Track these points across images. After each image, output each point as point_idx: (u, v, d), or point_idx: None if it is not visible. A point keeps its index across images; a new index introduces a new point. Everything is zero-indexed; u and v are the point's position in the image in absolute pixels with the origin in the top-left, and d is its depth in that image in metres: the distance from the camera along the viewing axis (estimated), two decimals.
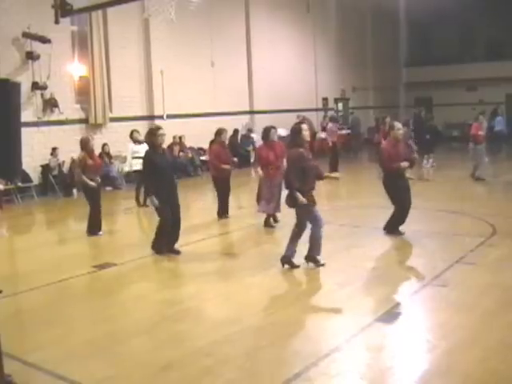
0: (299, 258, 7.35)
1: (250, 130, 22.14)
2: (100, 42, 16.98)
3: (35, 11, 14.58)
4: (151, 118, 18.55)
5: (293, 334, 5.33)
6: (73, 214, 13.68)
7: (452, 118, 29.16)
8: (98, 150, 10.45)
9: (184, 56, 19.47)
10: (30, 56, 15.21)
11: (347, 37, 27.54)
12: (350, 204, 11.72)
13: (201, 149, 20.14)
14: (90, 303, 6.65)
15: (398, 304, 5.99)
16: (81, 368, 4.69)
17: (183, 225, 8.57)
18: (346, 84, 28.62)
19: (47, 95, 15.76)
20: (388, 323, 5.45)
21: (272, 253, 8.38)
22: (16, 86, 4.02)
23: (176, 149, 18.17)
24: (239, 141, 21.39)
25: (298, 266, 7.27)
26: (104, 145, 16.50)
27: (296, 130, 7.15)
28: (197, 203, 13.39)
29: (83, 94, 17.07)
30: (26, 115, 14.32)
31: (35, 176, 15.45)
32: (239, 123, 21.69)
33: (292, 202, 7.11)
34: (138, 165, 12.82)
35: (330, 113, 26.18)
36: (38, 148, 15.31)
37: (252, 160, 21.18)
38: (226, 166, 10.90)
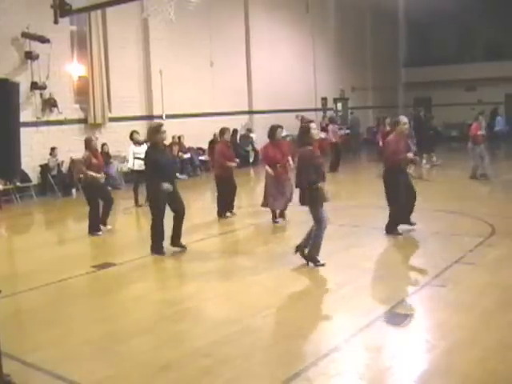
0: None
1: (249, 130, 22.14)
2: (99, 41, 16.97)
3: (34, 11, 14.57)
4: (150, 117, 18.53)
5: (292, 334, 5.33)
6: (72, 213, 13.67)
7: (451, 118, 29.19)
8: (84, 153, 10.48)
9: (183, 56, 19.47)
10: (29, 56, 15.21)
11: (346, 37, 27.56)
12: (349, 204, 11.72)
13: (200, 149, 20.17)
14: (90, 303, 6.65)
15: (397, 304, 5.99)
16: (80, 368, 4.68)
17: (183, 225, 8.57)
18: (345, 84, 28.64)
19: (46, 95, 15.75)
20: (387, 323, 5.45)
21: (272, 253, 8.40)
22: (15, 86, 4.01)
23: (175, 149, 18.17)
24: (238, 141, 21.39)
25: (323, 265, 7.32)
26: (103, 145, 16.48)
27: (305, 129, 7.27)
28: (196, 203, 13.38)
29: (82, 93, 17.06)
30: (25, 115, 14.30)
31: (34, 176, 15.45)
32: (238, 123, 21.69)
33: (304, 199, 7.21)
34: (138, 165, 12.90)
35: (329, 113, 26.19)
36: (37, 148, 15.30)
37: (251, 160, 21.22)
38: (231, 163, 11.06)
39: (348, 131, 25.67)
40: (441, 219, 10.19)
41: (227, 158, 11.04)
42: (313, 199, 7.17)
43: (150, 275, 7.70)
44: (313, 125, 7.33)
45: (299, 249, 7.45)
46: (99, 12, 16.22)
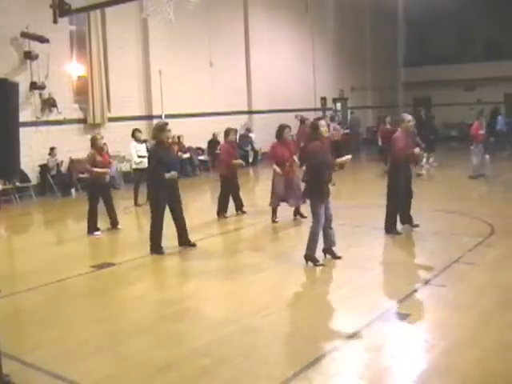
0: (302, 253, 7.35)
1: (248, 130, 22.14)
2: (98, 41, 16.97)
3: (33, 11, 14.56)
4: (149, 117, 18.55)
5: (291, 334, 5.33)
6: (71, 213, 13.67)
7: (450, 117, 29.20)
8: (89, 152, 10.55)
9: (182, 56, 19.47)
10: (29, 56, 15.20)
11: (345, 37, 27.56)
12: (349, 204, 11.71)
13: (199, 148, 20.16)
14: (89, 303, 6.65)
15: (396, 304, 5.99)
16: (79, 368, 4.68)
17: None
18: (344, 84, 28.64)
19: (45, 95, 15.74)
20: (386, 323, 5.45)
21: (271, 252, 8.39)
22: (14, 86, 4.02)
23: (175, 148, 18.14)
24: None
25: (339, 257, 7.51)
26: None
27: (314, 126, 7.45)
28: (196, 203, 13.38)
29: (81, 93, 17.05)
30: (25, 115, 14.31)
31: (33, 176, 15.44)
32: (238, 123, 21.66)
33: (307, 193, 7.44)
34: (139, 164, 12.96)
35: (329, 113, 26.18)
36: (36, 148, 15.30)
37: (250, 160, 21.21)
38: (237, 162, 11.21)
39: (347, 131, 25.65)
40: (440, 219, 10.19)
41: (232, 158, 11.16)
42: (314, 193, 7.26)
43: (149, 275, 7.70)
44: (322, 122, 7.50)
45: (326, 252, 7.58)
46: (98, 12, 16.21)
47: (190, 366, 4.63)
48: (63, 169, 16.07)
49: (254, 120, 22.91)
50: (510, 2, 25.99)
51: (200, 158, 20.02)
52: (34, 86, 15.35)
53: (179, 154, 18.35)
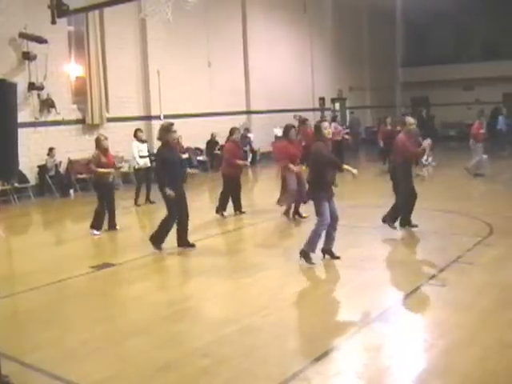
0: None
1: (246, 130, 22.13)
2: (97, 42, 16.95)
3: (32, 12, 14.55)
4: (148, 118, 18.56)
5: (290, 334, 5.33)
6: (70, 214, 13.67)
7: (449, 117, 29.23)
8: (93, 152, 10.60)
9: (181, 56, 19.47)
10: (27, 56, 15.19)
11: (344, 37, 27.58)
12: (347, 204, 11.70)
13: (198, 149, 20.16)
14: (88, 304, 6.63)
15: (395, 303, 6.00)
16: (78, 369, 4.68)
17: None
18: (342, 84, 28.65)
19: (44, 95, 15.73)
20: (386, 323, 5.45)
21: (270, 252, 8.39)
22: (12, 87, 4.01)
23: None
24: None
25: (338, 257, 7.52)
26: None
27: (317, 128, 7.52)
28: (194, 203, 13.36)
29: (80, 94, 17.04)
30: (23, 116, 14.30)
31: (32, 176, 15.42)
32: (236, 123, 21.59)
33: (311, 193, 7.47)
34: (142, 163, 12.99)
35: (327, 113, 26.20)
36: (34, 148, 15.29)
37: (249, 160, 21.19)
38: (241, 162, 11.30)
39: (347, 131, 25.67)
40: (439, 219, 10.20)
41: (237, 157, 11.20)
42: (317, 194, 7.29)
43: (149, 275, 7.69)
44: (325, 124, 7.56)
45: (325, 252, 7.59)
46: (97, 12, 16.20)
47: (189, 367, 4.63)
48: (62, 169, 16.06)
49: (253, 120, 22.92)
50: (508, 2, 26.04)
51: (199, 158, 20.01)
52: (32, 86, 15.34)
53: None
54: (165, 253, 8.40)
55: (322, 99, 27.33)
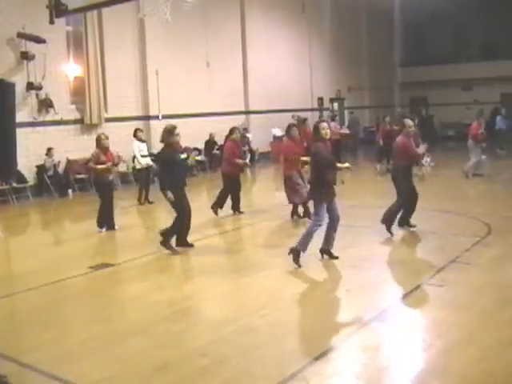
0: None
1: (245, 130, 22.13)
2: (95, 42, 16.94)
3: (30, 11, 14.54)
4: (146, 118, 18.54)
5: (288, 334, 5.33)
6: (68, 214, 13.66)
7: (447, 117, 29.25)
8: (93, 151, 10.61)
9: (179, 56, 19.46)
10: (25, 56, 15.17)
11: (342, 37, 27.59)
12: (346, 204, 11.69)
13: (196, 149, 20.14)
14: (87, 304, 6.63)
15: (393, 303, 6.00)
16: (77, 369, 4.67)
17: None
18: (341, 84, 28.66)
19: (42, 95, 15.72)
20: (384, 323, 5.45)
21: (269, 253, 8.39)
22: (11, 87, 4.01)
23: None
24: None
25: (336, 257, 7.53)
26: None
27: (315, 128, 7.51)
28: (193, 203, 13.34)
29: (78, 94, 17.02)
30: (21, 116, 14.29)
31: (30, 176, 15.40)
32: (235, 123, 21.60)
33: (311, 193, 7.52)
34: (144, 162, 13.02)
35: (326, 113, 26.21)
36: (33, 148, 15.26)
37: (248, 160, 21.18)
38: (241, 161, 11.30)
39: (347, 131, 25.66)
40: (437, 219, 10.20)
41: (236, 156, 11.22)
42: (317, 194, 7.30)
43: (147, 275, 7.68)
44: (323, 124, 7.51)
45: (323, 252, 7.59)
46: (95, 12, 16.19)
47: (188, 367, 4.63)
48: (60, 169, 16.04)
49: (251, 120, 22.91)
50: (507, 2, 26.06)
51: (197, 158, 19.99)
52: (30, 86, 15.32)
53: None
54: (164, 253, 8.39)
55: (320, 99, 27.34)
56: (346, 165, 7.65)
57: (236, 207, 11.30)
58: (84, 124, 16.88)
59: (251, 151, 21.63)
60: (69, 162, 16.18)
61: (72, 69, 17.09)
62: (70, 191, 15.77)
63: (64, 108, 16.37)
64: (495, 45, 29.26)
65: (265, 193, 15.88)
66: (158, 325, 5.64)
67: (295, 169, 10.27)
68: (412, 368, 4.52)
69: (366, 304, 6.00)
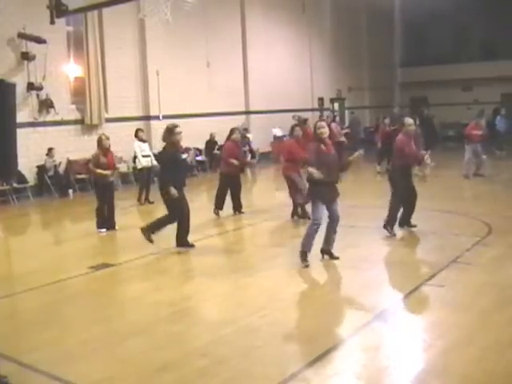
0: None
1: (245, 130, 22.13)
2: (95, 42, 16.94)
3: (30, 12, 14.54)
4: (147, 118, 18.54)
5: (289, 335, 5.33)
6: (69, 214, 13.66)
7: (447, 117, 29.22)
8: (93, 151, 10.61)
9: (180, 56, 19.46)
10: (26, 56, 15.18)
11: (342, 37, 27.59)
12: (346, 204, 11.69)
13: (197, 149, 20.14)
14: (87, 304, 6.63)
15: (394, 304, 6.00)
16: (77, 369, 4.67)
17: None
18: (341, 84, 28.66)
19: (43, 96, 15.72)
20: (384, 323, 5.46)
21: (269, 253, 8.39)
22: (11, 87, 4.02)
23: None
24: None
25: (337, 258, 7.54)
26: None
27: (314, 128, 7.53)
28: (193, 203, 13.35)
29: (79, 94, 17.03)
30: (22, 116, 14.29)
31: (31, 177, 15.41)
32: (235, 123, 21.62)
33: (309, 193, 7.50)
34: (145, 162, 13.04)
35: (326, 113, 26.19)
36: (33, 149, 15.27)
37: (249, 159, 21.20)
38: (235, 161, 11.10)
39: (346, 131, 25.64)
40: (438, 219, 10.20)
41: (233, 156, 11.13)
42: (313, 194, 7.32)
43: (147, 275, 7.68)
44: (320, 124, 7.52)
45: (324, 252, 7.60)
46: (95, 12, 16.19)
47: (188, 367, 4.63)
48: (61, 169, 16.05)
49: (252, 120, 22.91)
50: (507, 2, 26.05)
51: (197, 158, 20.00)
52: (31, 86, 15.32)
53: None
54: (164, 253, 8.40)
55: (320, 99, 27.34)
56: (356, 154, 7.64)
57: (237, 207, 11.29)
58: (84, 124, 16.88)
59: (252, 151, 21.64)
60: (69, 162, 16.19)
61: (72, 69, 17.10)
62: (70, 191, 15.77)
63: (64, 108, 16.38)
64: (495, 45, 29.25)
65: (265, 193, 15.89)
66: (157, 325, 5.64)
67: (296, 170, 10.25)
68: (412, 368, 4.52)
69: (366, 304, 6.00)
